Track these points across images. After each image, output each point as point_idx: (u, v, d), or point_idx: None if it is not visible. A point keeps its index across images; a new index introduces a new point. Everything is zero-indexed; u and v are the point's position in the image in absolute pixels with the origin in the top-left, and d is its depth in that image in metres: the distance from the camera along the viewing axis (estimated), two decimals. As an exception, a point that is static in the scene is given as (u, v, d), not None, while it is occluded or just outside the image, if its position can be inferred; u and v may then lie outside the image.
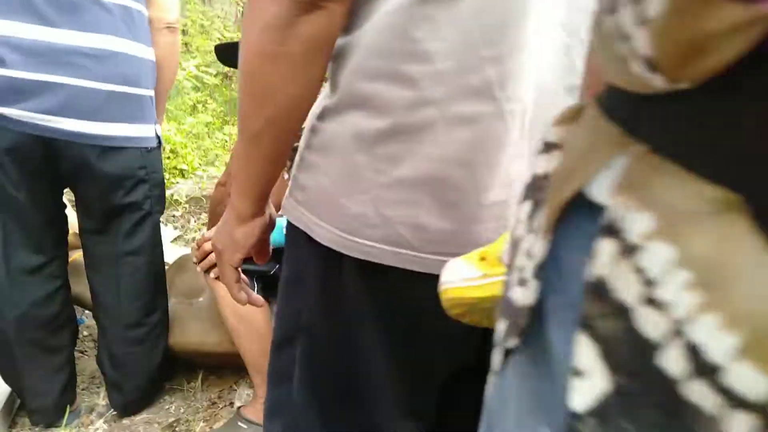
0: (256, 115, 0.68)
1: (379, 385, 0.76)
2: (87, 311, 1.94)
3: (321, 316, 0.76)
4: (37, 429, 1.60)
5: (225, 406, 1.71)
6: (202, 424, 1.63)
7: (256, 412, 1.55)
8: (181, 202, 3.05)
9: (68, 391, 1.62)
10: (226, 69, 5.95)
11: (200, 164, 3.51)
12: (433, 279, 0.66)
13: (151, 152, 1.53)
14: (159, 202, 1.61)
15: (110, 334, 1.61)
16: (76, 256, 1.83)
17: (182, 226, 2.86)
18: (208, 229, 1.83)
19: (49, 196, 1.48)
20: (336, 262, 0.70)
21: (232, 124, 4.58)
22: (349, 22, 0.66)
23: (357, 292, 0.71)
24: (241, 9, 7.99)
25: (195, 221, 2.95)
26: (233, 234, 0.79)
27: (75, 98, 1.34)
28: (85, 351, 1.96)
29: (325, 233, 0.69)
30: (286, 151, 0.73)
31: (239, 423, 1.55)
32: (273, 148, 0.71)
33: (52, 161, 1.39)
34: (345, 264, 0.69)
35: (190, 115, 4.70)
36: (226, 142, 4.42)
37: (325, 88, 0.72)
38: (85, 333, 2.04)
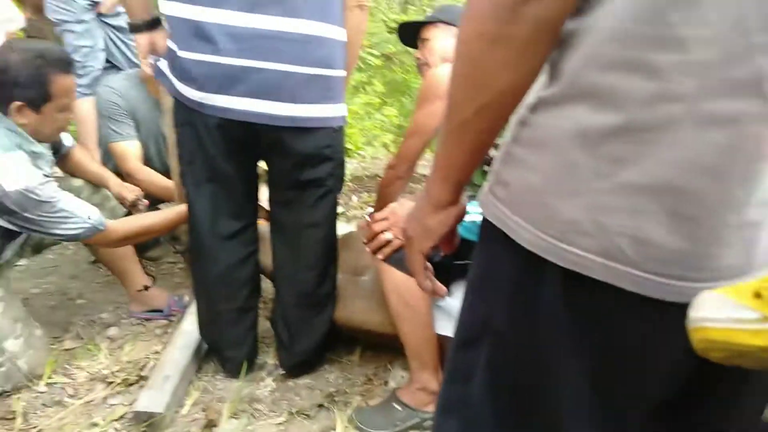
0: (468, 102, 0.65)
1: (565, 404, 0.71)
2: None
3: (511, 322, 0.72)
4: (218, 377, 1.80)
5: (380, 384, 1.78)
6: (358, 398, 1.71)
7: (412, 396, 1.59)
8: (344, 180, 3.20)
9: (254, 348, 1.80)
10: (389, 51, 6.09)
11: (363, 144, 3.64)
12: (649, 302, 0.60)
13: (338, 131, 1.60)
14: (339, 180, 1.70)
15: (286, 298, 1.74)
16: (260, 222, 2.00)
17: (345, 203, 2.99)
18: (375, 210, 1.88)
19: (249, 169, 1.63)
20: (535, 268, 0.65)
21: (390, 106, 4.68)
22: (583, 3, 0.59)
23: (555, 304, 0.66)
24: (406, -9, 8.08)
25: (357, 199, 3.07)
26: (426, 221, 0.78)
27: (277, 82, 1.43)
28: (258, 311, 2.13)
29: (527, 235, 0.65)
30: (492, 142, 0.70)
31: (394, 404, 1.60)
32: (480, 138, 0.68)
33: (253, 139, 1.51)
34: (546, 271, 0.65)
35: (353, 95, 4.88)
36: (384, 123, 4.52)
37: (540, 76, 0.66)
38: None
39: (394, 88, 5.47)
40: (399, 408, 1.59)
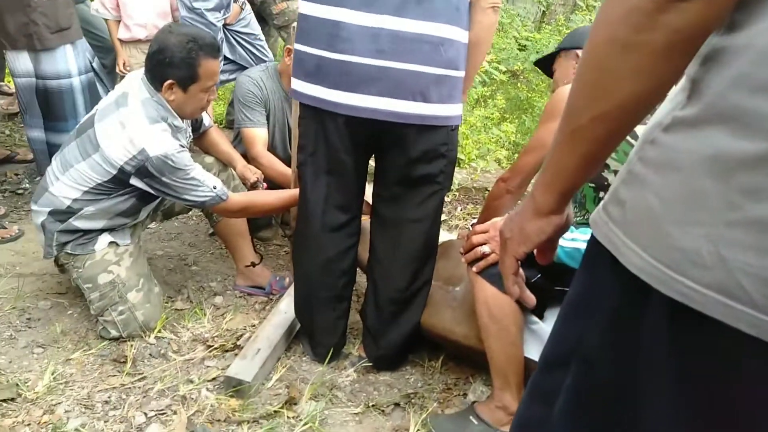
0: (586, 108, 0.63)
1: None
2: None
3: (605, 349, 0.69)
4: (304, 358, 1.88)
5: (458, 395, 1.76)
6: (435, 404, 1.71)
7: (490, 413, 1.55)
8: (452, 189, 3.20)
9: (343, 336, 1.87)
10: (515, 68, 6.01)
11: (475, 156, 3.62)
12: (759, 346, 0.55)
13: (454, 130, 1.62)
14: (449, 178, 1.71)
15: (380, 290, 1.78)
16: (364, 218, 2.06)
17: (448, 212, 2.99)
18: (479, 222, 1.87)
19: (364, 165, 1.70)
20: (641, 296, 0.61)
21: (510, 122, 4.61)
22: (734, 19, 0.55)
23: (657, 337, 0.62)
24: (543, 9, 7.91)
25: (461, 209, 3.06)
26: (525, 226, 0.76)
27: (411, 82, 1.47)
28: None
29: (637, 260, 0.61)
30: (607, 154, 0.67)
31: (471, 417, 1.58)
32: (595, 147, 0.65)
33: (377, 135, 1.57)
34: (652, 301, 0.61)
35: (474, 108, 4.86)
36: (500, 138, 4.46)
37: (677, 94, 0.62)
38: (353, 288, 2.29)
39: (515, 105, 5.38)
40: (475, 422, 1.57)
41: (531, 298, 0.85)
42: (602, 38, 0.59)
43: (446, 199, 3.08)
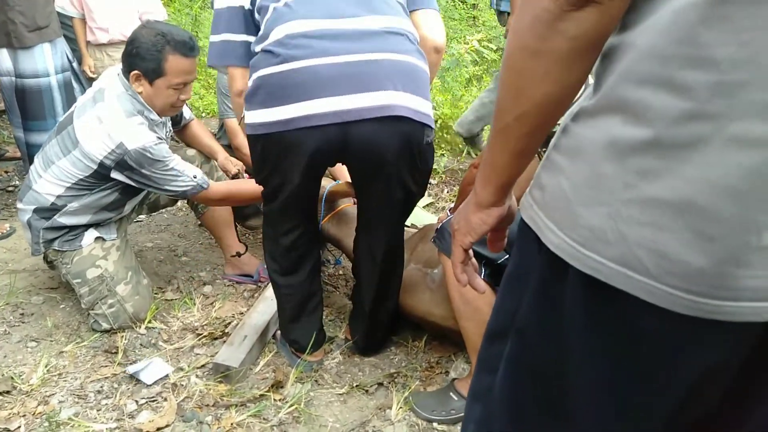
0: (509, 109, 0.68)
1: (579, 404, 0.73)
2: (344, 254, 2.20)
3: (535, 321, 0.74)
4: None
5: (441, 372, 1.81)
6: (417, 382, 1.76)
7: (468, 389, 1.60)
8: (438, 172, 3.22)
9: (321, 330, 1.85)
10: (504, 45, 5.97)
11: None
12: (667, 314, 0.61)
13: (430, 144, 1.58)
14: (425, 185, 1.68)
15: (369, 277, 1.75)
16: (347, 205, 2.10)
17: (435, 195, 3.02)
18: (455, 206, 1.90)
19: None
20: (561, 271, 0.67)
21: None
22: (625, 20, 0.60)
23: (576, 307, 0.68)
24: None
25: (447, 192, 3.09)
26: (469, 218, 0.82)
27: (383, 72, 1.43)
28: (338, 287, 2.25)
29: (555, 239, 0.67)
30: (533, 148, 0.72)
31: (451, 394, 1.63)
32: (520, 143, 0.71)
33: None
34: (570, 275, 0.66)
35: (466, 87, 4.86)
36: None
37: (588, 89, 0.68)
38: (340, 272, 2.34)
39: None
40: (455, 398, 1.62)
41: (480, 285, 0.91)
42: (515, 46, 0.64)
43: (432, 181, 3.11)
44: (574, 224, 0.64)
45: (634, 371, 0.67)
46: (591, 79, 0.68)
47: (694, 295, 0.59)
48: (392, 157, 1.46)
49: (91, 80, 2.87)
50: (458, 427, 1.60)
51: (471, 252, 0.88)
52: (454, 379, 1.69)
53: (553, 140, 0.71)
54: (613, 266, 0.61)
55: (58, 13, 2.70)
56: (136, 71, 1.80)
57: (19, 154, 2.91)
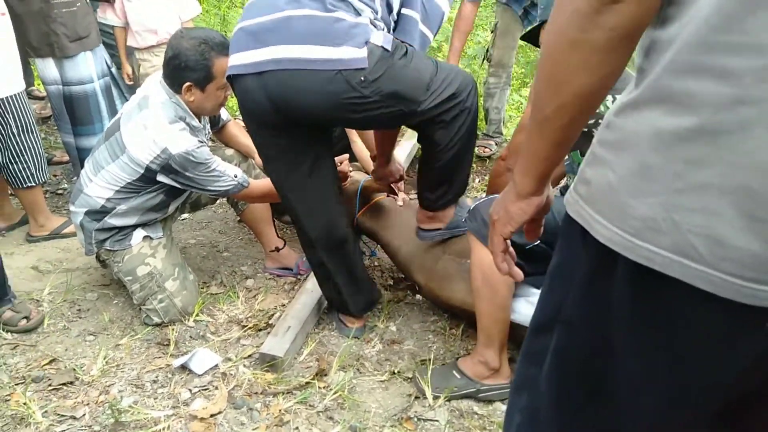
0: (549, 100, 0.71)
1: (625, 395, 0.75)
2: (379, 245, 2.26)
3: (582, 313, 0.76)
4: (332, 333, 1.99)
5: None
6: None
7: (472, 367, 1.67)
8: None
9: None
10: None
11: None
12: (721, 302, 0.62)
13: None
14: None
15: None
16: (381, 197, 2.15)
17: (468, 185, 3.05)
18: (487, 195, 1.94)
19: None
20: (610, 263, 0.69)
21: (530, 86, 4.58)
22: (667, 13, 0.62)
23: (626, 298, 0.69)
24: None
25: (479, 181, 3.11)
26: (509, 208, 0.85)
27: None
28: (374, 278, 2.31)
29: (604, 230, 0.68)
30: (572, 139, 0.75)
31: (454, 372, 1.70)
32: (559, 134, 0.74)
33: None
34: (619, 266, 0.68)
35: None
36: (521, 104, 4.44)
37: (630, 85, 0.70)
38: (375, 264, 2.40)
39: (534, 69, 5.32)
40: (457, 376, 1.69)
41: (518, 274, 0.94)
42: (554, 38, 0.67)
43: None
44: (624, 215, 0.66)
45: (685, 360, 0.69)
46: (632, 73, 0.70)
47: (749, 281, 0.60)
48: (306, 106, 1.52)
49: (129, 87, 2.98)
50: (470, 404, 1.66)
51: (509, 241, 0.91)
52: (457, 357, 1.76)
53: (596, 136, 0.73)
54: (667, 255, 0.63)
55: (99, 23, 2.81)
56: (188, 83, 1.88)
57: (66, 159, 3.05)
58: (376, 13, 1.55)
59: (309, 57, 1.45)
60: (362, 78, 1.45)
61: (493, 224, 0.89)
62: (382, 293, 2.07)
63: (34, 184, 2.40)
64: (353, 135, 2.43)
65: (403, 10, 1.62)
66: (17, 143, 2.31)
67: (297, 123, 1.59)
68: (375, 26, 1.52)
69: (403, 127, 1.70)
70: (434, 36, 1.68)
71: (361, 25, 1.48)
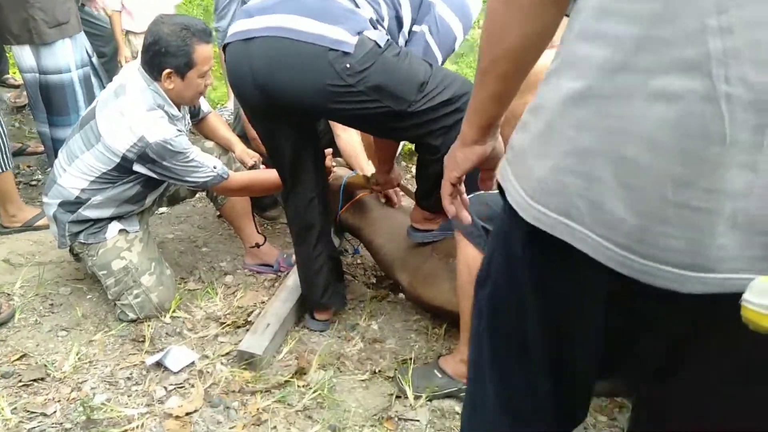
0: (485, 54, 0.76)
1: (531, 351, 0.77)
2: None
3: (502, 270, 0.80)
4: (312, 331, 1.96)
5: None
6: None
7: (454, 366, 1.65)
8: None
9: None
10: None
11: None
12: (600, 267, 0.63)
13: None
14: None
15: None
16: (365, 194, 2.12)
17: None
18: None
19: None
20: (517, 223, 0.71)
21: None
22: None
23: (525, 259, 0.73)
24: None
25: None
26: (455, 154, 0.90)
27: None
28: (356, 276, 2.28)
29: (512, 191, 0.71)
30: (508, 93, 0.79)
31: (435, 371, 1.68)
32: (498, 86, 0.78)
33: None
34: (521, 226, 0.70)
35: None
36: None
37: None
38: (358, 261, 2.37)
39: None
40: (439, 375, 1.67)
41: (466, 216, 0.98)
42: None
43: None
44: (528, 177, 0.69)
45: (564, 318, 0.72)
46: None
47: (622, 249, 0.61)
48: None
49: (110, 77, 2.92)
50: (452, 404, 1.64)
51: (462, 188, 0.95)
52: (439, 356, 1.74)
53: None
54: (554, 216, 0.65)
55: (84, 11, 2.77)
56: (168, 69, 1.83)
57: (40, 149, 2.97)
58: (382, 20, 1.53)
59: (299, 29, 1.43)
60: (347, 65, 1.41)
61: (444, 170, 0.93)
62: (346, 289, 2.04)
63: None
64: (337, 129, 2.40)
65: (415, 27, 1.60)
66: None
67: (280, 108, 1.56)
68: (373, 26, 1.49)
69: None
70: (443, 60, 1.66)
71: (357, 15, 1.46)
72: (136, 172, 1.91)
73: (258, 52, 1.47)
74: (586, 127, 0.61)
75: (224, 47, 1.58)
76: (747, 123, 0.53)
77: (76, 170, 1.93)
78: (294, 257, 2.23)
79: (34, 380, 1.70)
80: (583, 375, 0.78)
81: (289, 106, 1.54)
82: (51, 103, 2.57)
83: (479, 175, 0.94)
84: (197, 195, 2.54)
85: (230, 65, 1.57)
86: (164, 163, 1.85)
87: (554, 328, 0.74)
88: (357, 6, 1.49)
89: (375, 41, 1.44)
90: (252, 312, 2.02)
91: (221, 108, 3.48)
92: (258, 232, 2.30)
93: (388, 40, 1.47)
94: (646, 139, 0.57)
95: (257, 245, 2.27)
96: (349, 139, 2.37)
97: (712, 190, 0.56)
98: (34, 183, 2.88)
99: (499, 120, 0.85)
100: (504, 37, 0.72)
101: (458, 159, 0.90)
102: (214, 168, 1.92)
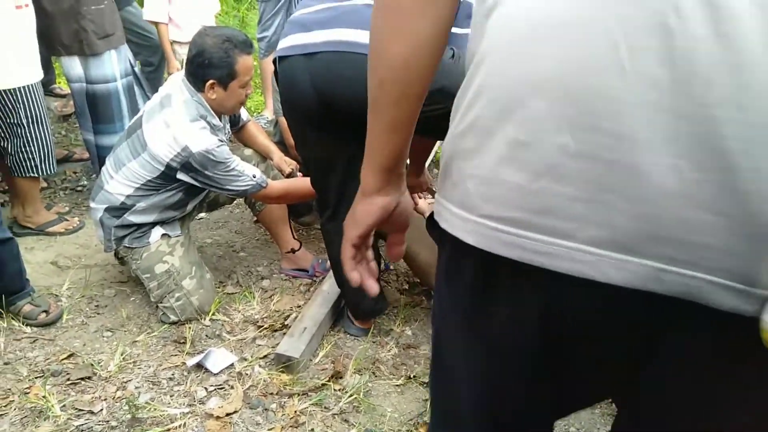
0: (372, 74, 0.64)
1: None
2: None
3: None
4: (348, 335, 1.99)
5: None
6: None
7: None
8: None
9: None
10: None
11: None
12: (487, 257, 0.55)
13: None
14: None
15: None
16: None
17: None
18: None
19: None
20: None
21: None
22: None
23: (440, 259, 0.68)
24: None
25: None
26: (355, 208, 0.72)
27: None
28: (389, 282, 2.30)
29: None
30: (406, 121, 0.66)
31: None
32: (392, 113, 0.64)
33: None
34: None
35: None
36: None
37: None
38: (391, 267, 2.39)
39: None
40: None
41: (372, 288, 0.76)
42: (376, 5, 0.63)
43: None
44: (442, 181, 0.65)
45: (464, 312, 0.65)
46: None
47: (511, 225, 0.52)
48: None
49: (152, 87, 3.03)
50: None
51: (369, 253, 0.77)
52: None
53: None
54: (454, 210, 0.59)
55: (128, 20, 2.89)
56: (211, 80, 1.89)
57: (86, 156, 3.08)
58: None
59: (362, 41, 1.42)
60: None
61: (344, 230, 0.75)
62: (387, 302, 2.03)
63: (36, 175, 2.42)
64: None
65: (453, 29, 1.62)
66: (26, 134, 2.32)
67: (338, 117, 1.55)
68: None
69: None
70: None
71: None
72: (179, 180, 1.97)
73: (322, 66, 1.48)
74: (477, 96, 0.56)
75: (276, 59, 1.59)
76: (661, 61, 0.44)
77: (122, 177, 2.00)
78: (328, 263, 2.28)
79: (82, 379, 1.77)
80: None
81: (352, 115, 1.56)
82: (97, 111, 2.68)
83: (387, 239, 0.77)
84: (235, 201, 2.61)
85: (287, 79, 1.56)
86: (206, 172, 1.91)
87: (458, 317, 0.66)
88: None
89: None
90: (289, 316, 2.06)
91: (258, 116, 3.55)
92: (294, 237, 2.35)
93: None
94: (532, 80, 0.50)
95: (293, 250, 2.32)
96: None
97: (614, 134, 0.47)
98: (79, 189, 2.99)
99: (402, 162, 0.70)
100: (386, 52, 0.61)
101: (358, 215, 0.71)
102: (254, 177, 1.97)
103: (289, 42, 1.54)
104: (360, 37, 1.44)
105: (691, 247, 0.46)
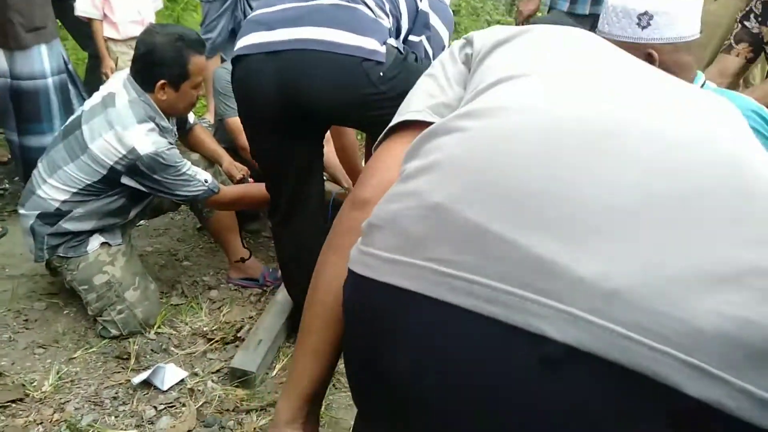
0: (305, 308, 0.70)
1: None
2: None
3: None
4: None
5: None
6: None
7: None
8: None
9: None
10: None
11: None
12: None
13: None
14: None
15: None
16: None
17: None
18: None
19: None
20: None
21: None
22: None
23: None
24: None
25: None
26: None
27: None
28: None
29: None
30: (328, 349, 0.66)
31: None
32: (314, 338, 0.67)
33: None
34: None
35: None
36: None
37: None
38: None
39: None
40: None
41: None
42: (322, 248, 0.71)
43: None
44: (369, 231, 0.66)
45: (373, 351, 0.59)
46: None
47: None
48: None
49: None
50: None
51: None
52: None
53: None
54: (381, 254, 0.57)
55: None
56: (162, 81, 1.79)
57: (6, 158, 2.84)
58: (390, 27, 1.55)
59: (335, 41, 1.43)
60: (381, 74, 1.45)
61: None
62: None
63: None
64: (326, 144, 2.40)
65: (413, 37, 1.63)
66: None
67: (297, 117, 1.53)
68: (390, 33, 1.53)
69: None
70: None
71: (381, 25, 1.49)
72: (122, 185, 1.85)
73: (289, 64, 1.46)
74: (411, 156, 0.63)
75: (234, 59, 1.54)
76: None
77: (57, 181, 1.85)
78: (280, 272, 2.21)
79: (12, 401, 1.61)
80: None
81: (317, 116, 1.55)
82: (22, 110, 2.47)
83: None
84: (179, 207, 2.48)
85: (247, 78, 1.52)
86: (155, 176, 1.80)
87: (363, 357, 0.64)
88: (377, 16, 1.51)
89: (397, 48, 1.49)
90: (241, 328, 1.98)
91: (200, 119, 3.41)
92: (243, 246, 2.27)
93: (403, 47, 1.52)
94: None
95: (242, 259, 2.23)
96: (330, 152, 2.37)
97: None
98: (0, 193, 2.74)
99: (320, 396, 0.70)
100: (321, 272, 0.68)
101: None
102: (206, 182, 1.89)
103: (250, 41, 1.51)
104: (327, 35, 1.44)
105: None
